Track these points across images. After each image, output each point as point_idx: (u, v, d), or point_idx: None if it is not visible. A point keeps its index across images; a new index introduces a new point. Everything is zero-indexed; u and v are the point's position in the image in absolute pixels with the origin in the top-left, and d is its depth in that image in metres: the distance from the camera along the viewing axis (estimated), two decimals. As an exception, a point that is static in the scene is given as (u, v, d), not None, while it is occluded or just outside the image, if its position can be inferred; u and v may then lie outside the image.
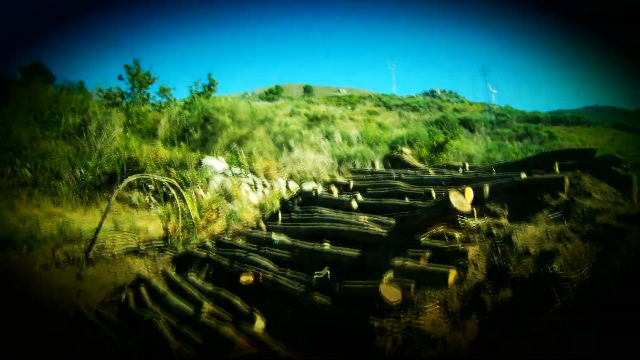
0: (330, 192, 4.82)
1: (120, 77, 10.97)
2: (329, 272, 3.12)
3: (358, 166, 10.30)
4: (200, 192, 9.30)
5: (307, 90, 38.88)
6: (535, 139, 15.72)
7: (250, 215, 7.41)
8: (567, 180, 3.39)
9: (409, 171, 5.05)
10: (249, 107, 11.97)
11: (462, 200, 3.07)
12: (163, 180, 7.22)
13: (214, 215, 7.15)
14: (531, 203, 3.42)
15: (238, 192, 9.45)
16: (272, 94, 36.05)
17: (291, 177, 10.21)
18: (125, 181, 6.30)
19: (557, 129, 18.45)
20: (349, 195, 4.49)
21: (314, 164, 9.88)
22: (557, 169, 3.86)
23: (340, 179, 5.22)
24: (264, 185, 9.93)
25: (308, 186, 9.70)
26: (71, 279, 5.69)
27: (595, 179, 3.74)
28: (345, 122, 14.91)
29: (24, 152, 9.48)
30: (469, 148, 11.44)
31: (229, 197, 9.29)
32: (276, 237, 4.06)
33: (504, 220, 3.26)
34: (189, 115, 10.62)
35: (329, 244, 3.56)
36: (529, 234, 2.97)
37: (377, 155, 10.40)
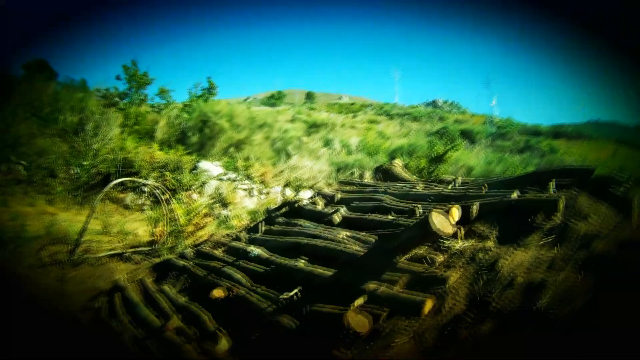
0: (314, 203, 4.63)
1: (118, 77, 10.96)
2: (298, 292, 2.92)
3: (356, 175, 10.11)
4: (195, 196, 9.17)
5: (309, 96, 38.80)
6: (536, 152, 15.42)
7: (240, 223, 7.25)
8: (562, 202, 3.17)
9: (397, 184, 4.84)
10: (248, 111, 11.86)
11: (444, 221, 2.86)
12: (149, 183, 7.07)
13: (203, 222, 7.00)
14: (523, 224, 3.20)
15: (233, 197, 9.31)
16: (274, 99, 36.03)
17: (288, 184, 10.05)
18: (110, 184, 6.17)
19: (558, 142, 18.14)
20: (333, 209, 4.30)
21: (311, 172, 9.71)
22: (552, 188, 3.64)
23: (327, 190, 5.02)
24: (260, 192, 9.78)
25: (304, 194, 9.53)
26: (54, 281, 5.57)
27: (594, 199, 3.49)
28: (346, 129, 14.74)
29: (21, 149, 9.44)
30: (469, 160, 11.19)
31: (224, 202, 9.15)
32: (253, 250, 3.88)
33: (491, 244, 3.05)
34: (188, 118, 10.54)
35: (304, 261, 3.37)
36: (516, 261, 2.72)
37: (375, 165, 10.21)
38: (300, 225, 4.14)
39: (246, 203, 9.32)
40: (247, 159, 9.93)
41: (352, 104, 37.54)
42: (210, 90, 11.98)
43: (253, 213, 7.34)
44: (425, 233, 2.84)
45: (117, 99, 10.89)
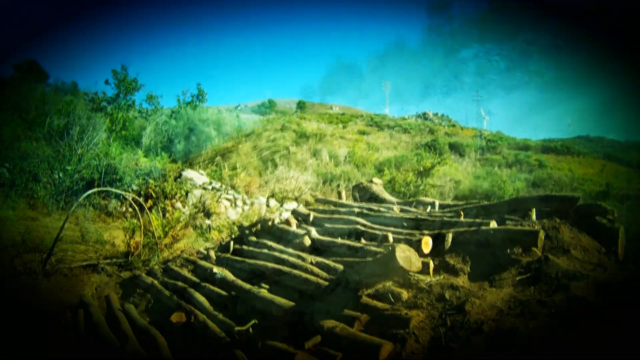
0: (288, 223, 4.59)
1: (106, 82, 10.90)
2: (250, 328, 2.86)
3: (342, 187, 10.07)
4: (179, 204, 9.09)
5: (300, 105, 38.61)
6: (525, 166, 15.50)
7: (219, 236, 7.17)
8: (541, 235, 3.06)
9: (373, 206, 4.81)
10: (237, 120, 11.82)
11: (411, 256, 2.80)
12: (124, 194, 7.01)
13: (182, 233, 6.92)
14: (499, 257, 3.07)
15: (217, 208, 9.22)
16: (264, 108, 35.88)
17: (273, 195, 9.98)
18: (84, 195, 6.09)
19: (547, 157, 18.28)
20: (304, 230, 4.26)
21: (297, 183, 9.66)
22: (533, 216, 3.59)
23: (302, 209, 4.99)
24: (244, 202, 9.70)
25: (289, 205, 9.47)
26: (25, 291, 5.47)
27: (577, 230, 3.41)
28: (336, 140, 14.72)
29: (4, 152, 9.33)
30: (457, 174, 11.20)
31: (207, 213, 9.07)
32: (219, 272, 3.83)
33: (462, 280, 2.93)
34: (175, 125, 10.48)
35: (265, 289, 3.32)
36: (487, 303, 2.54)
37: (362, 177, 10.19)
38: (269, 248, 4.09)
39: (230, 214, 9.25)
40: (233, 168, 9.87)
41: (343, 114, 37.50)
42: (199, 97, 11.94)
43: (232, 226, 7.27)
44: (388, 270, 2.78)
45: (105, 103, 10.81)
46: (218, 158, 9.95)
